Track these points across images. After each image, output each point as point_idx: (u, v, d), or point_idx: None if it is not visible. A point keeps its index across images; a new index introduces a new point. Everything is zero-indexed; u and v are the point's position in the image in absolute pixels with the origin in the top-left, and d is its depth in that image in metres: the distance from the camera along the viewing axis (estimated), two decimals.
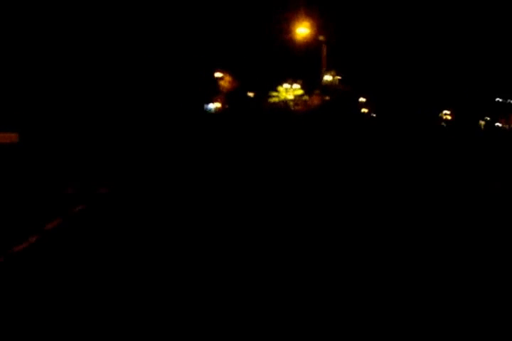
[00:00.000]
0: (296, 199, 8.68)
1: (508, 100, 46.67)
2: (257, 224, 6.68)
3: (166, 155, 15.89)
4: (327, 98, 31.91)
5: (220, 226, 6.58)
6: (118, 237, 5.93)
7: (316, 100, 32.14)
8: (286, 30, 30.15)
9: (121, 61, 22.32)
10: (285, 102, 32.65)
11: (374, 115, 37.96)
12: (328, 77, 32.67)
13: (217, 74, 30.26)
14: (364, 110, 38.06)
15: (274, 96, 32.65)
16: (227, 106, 30.73)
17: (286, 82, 32.78)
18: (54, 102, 17.73)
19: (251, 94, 31.92)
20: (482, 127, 45.98)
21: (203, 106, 29.84)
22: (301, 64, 32.33)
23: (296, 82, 33.17)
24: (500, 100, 47.04)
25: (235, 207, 7.89)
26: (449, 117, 44.02)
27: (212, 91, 29.77)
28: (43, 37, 18.21)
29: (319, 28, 29.95)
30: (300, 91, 33.44)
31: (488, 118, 47.20)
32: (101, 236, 5.99)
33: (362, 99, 37.70)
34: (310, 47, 30.92)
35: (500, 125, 48.02)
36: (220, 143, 20.41)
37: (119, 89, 21.85)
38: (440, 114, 43.54)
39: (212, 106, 30.64)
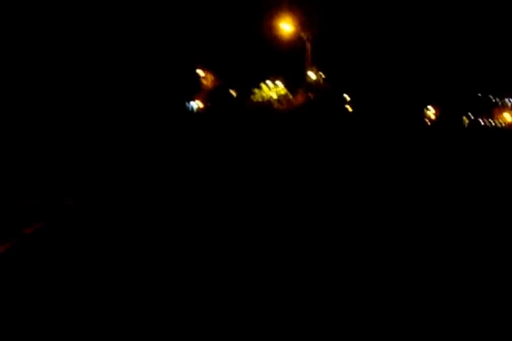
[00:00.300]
0: (282, 198, 8.38)
1: (490, 96, 46.51)
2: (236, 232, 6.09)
3: (143, 158, 14.66)
4: (311, 96, 31.19)
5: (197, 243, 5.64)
6: (83, 266, 4.79)
7: (300, 98, 31.42)
8: (269, 27, 29.40)
9: (94, 57, 21.08)
10: (268, 101, 31.81)
11: (358, 112, 37.30)
12: (312, 75, 31.88)
13: (199, 72, 29.21)
14: (348, 108, 37.37)
15: (257, 95, 31.77)
16: (209, 105, 29.72)
17: (269, 80, 31.97)
18: (14, 100, 16.41)
19: (233, 93, 30.95)
20: (465, 123, 45.80)
21: (184, 104, 28.76)
22: (284, 62, 31.54)
23: (279, 80, 32.34)
24: (481, 96, 46.90)
25: (216, 221, 6.91)
26: (432, 116, 43.66)
27: (194, 89, 28.72)
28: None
29: (303, 25, 29.20)
30: (283, 90, 32.62)
31: (471, 115, 47.02)
32: (61, 265, 4.82)
33: (346, 97, 37.00)
34: (293, 44, 30.19)
35: (481, 121, 47.90)
36: (202, 146, 19.48)
37: (92, 85, 20.58)
38: (424, 111, 43.16)
39: (194, 104, 29.57)
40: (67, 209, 7.40)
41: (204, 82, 29.20)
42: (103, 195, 8.60)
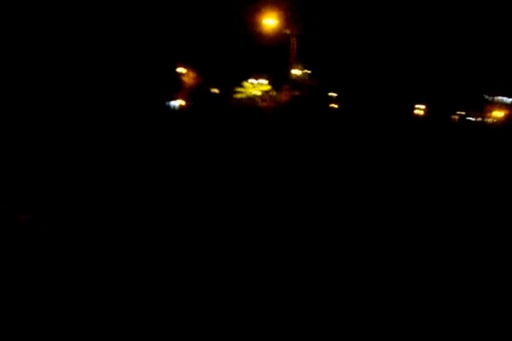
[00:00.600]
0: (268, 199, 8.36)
1: (481, 94, 46.32)
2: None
3: (121, 163, 14.27)
4: (296, 93, 30.92)
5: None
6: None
7: (284, 96, 31.16)
8: (253, 22, 29.00)
9: (67, 52, 20.63)
10: (252, 98, 31.44)
11: (345, 110, 37.06)
12: (296, 72, 31.60)
13: (180, 70, 28.78)
14: (334, 105, 37.11)
15: (240, 92, 31.40)
16: (191, 104, 29.32)
17: (252, 77, 31.59)
18: None
19: (216, 91, 30.58)
20: (454, 120, 45.69)
21: (165, 103, 28.37)
22: (268, 58, 31.18)
23: (263, 77, 31.96)
24: (472, 94, 46.69)
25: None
26: (421, 112, 43.48)
27: (175, 87, 28.30)
28: None
29: (287, 20, 28.86)
30: (267, 87, 32.28)
31: (461, 113, 46.88)
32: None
33: (332, 94, 36.71)
34: (278, 40, 29.86)
35: (472, 119, 47.73)
36: (185, 145, 19.22)
37: (63, 83, 20.13)
38: (413, 108, 42.94)
39: (176, 103, 29.17)
40: (20, 227, 7.10)
41: (185, 79, 28.79)
42: (64, 210, 8.25)
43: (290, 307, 3.92)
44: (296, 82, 31.50)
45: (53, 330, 3.49)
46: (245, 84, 31.66)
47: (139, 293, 4.16)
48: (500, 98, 45.43)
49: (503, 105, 45.72)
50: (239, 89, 31.44)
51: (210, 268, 4.89)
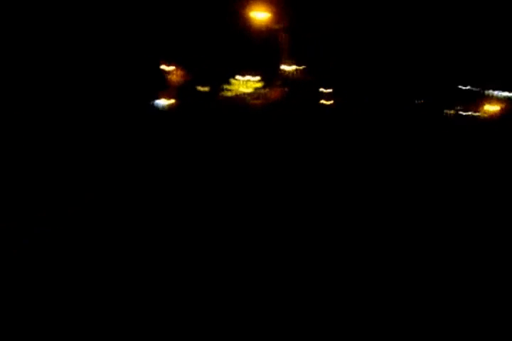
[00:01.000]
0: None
1: (474, 88, 46.43)
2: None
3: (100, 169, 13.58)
4: (288, 90, 30.72)
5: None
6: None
7: (276, 92, 30.90)
8: (242, 16, 28.64)
9: (45, 48, 19.97)
10: (242, 96, 31.14)
11: (339, 106, 36.83)
12: (289, 67, 31.39)
13: (166, 67, 28.23)
14: (329, 101, 36.86)
15: (229, 90, 31.05)
16: (177, 102, 28.81)
17: (242, 73, 31.26)
18: None
19: (204, 89, 30.17)
20: (448, 115, 45.84)
21: (150, 103, 27.82)
22: (258, 53, 30.79)
23: (253, 74, 31.66)
24: (466, 88, 46.78)
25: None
26: (415, 108, 43.50)
27: (160, 86, 27.77)
28: None
29: (278, 13, 28.53)
30: (258, 84, 31.97)
31: (454, 107, 47.03)
32: None
33: (327, 90, 36.49)
34: (269, 35, 29.55)
35: (467, 113, 47.84)
36: (173, 147, 18.92)
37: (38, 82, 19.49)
38: (410, 104, 42.95)
39: (161, 102, 28.60)
40: None
41: (171, 77, 28.22)
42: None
43: (289, 308, 4.01)
44: (289, 78, 31.30)
45: (53, 330, 3.53)
46: (235, 81, 31.39)
47: (139, 293, 4.23)
48: (495, 92, 45.66)
49: (498, 99, 45.97)
50: (229, 87, 31.15)
51: (209, 269, 5.03)
